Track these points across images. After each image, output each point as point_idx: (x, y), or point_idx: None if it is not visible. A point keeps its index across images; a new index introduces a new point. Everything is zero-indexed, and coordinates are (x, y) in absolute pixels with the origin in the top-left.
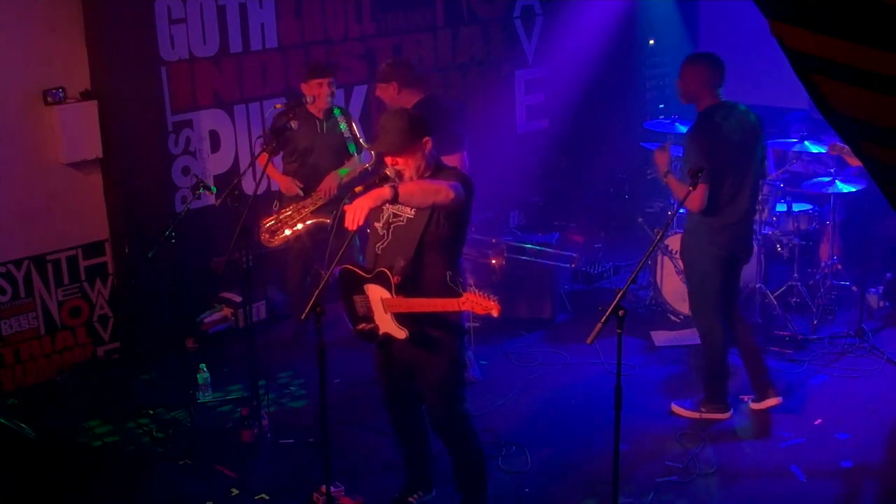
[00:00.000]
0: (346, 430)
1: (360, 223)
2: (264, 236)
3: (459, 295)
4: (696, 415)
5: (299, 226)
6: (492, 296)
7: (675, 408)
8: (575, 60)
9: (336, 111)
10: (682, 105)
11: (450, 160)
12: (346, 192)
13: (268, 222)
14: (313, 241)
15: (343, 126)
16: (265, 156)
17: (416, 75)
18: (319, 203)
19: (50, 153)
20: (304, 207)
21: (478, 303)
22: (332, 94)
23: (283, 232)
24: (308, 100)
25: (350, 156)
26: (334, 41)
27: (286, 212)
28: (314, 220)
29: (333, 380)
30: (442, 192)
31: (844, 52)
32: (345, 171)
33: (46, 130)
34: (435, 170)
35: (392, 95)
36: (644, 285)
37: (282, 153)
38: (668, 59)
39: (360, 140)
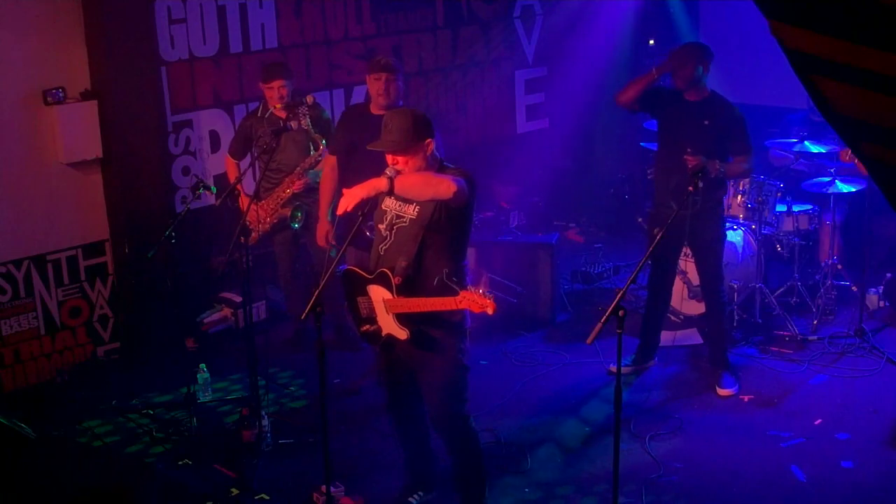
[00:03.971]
0: (347, 430)
1: (349, 209)
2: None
3: (457, 293)
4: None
5: (268, 220)
6: (488, 294)
7: (721, 391)
8: (575, 60)
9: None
10: None
11: None
12: (311, 188)
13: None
14: (294, 234)
15: (309, 124)
16: (231, 161)
17: None
18: (284, 197)
19: (50, 153)
20: (269, 203)
21: (474, 301)
22: (283, 98)
23: (257, 230)
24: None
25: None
26: (334, 41)
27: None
28: (278, 217)
29: (333, 380)
30: (443, 184)
31: (844, 52)
32: (313, 174)
33: (46, 130)
34: (438, 170)
35: (402, 88)
36: (644, 285)
37: (255, 154)
38: None
39: (317, 137)
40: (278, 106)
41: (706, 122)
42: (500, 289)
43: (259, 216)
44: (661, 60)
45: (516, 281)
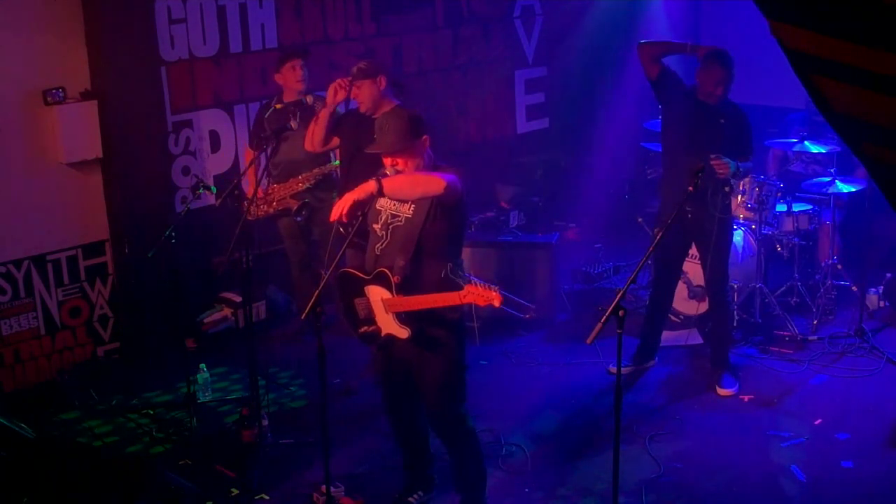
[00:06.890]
0: (346, 430)
1: (343, 214)
2: (251, 207)
3: (460, 288)
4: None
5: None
6: (492, 286)
7: (721, 390)
8: (575, 60)
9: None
10: None
11: None
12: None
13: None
14: (307, 242)
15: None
16: (250, 153)
17: (395, 80)
18: (296, 189)
19: (50, 153)
20: (284, 189)
21: (479, 294)
22: (304, 79)
23: (259, 209)
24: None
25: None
26: (334, 41)
27: (269, 190)
28: (284, 206)
29: (333, 380)
30: (432, 182)
31: (844, 52)
32: None
33: (46, 130)
34: (432, 168)
35: (375, 93)
36: (644, 285)
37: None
38: (666, 59)
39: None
40: (301, 88)
41: (722, 121)
42: (510, 305)
43: (267, 197)
44: (695, 44)
45: (516, 280)
